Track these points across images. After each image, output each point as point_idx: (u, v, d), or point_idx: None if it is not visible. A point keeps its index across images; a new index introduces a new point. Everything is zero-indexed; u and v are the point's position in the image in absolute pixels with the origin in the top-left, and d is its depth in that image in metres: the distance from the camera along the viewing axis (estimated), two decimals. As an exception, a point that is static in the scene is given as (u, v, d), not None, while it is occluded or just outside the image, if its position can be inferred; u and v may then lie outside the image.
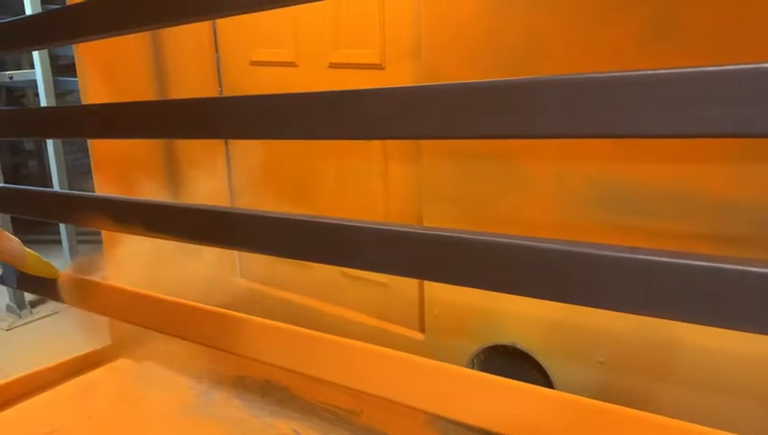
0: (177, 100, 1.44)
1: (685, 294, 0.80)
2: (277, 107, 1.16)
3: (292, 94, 1.15)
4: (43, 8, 3.49)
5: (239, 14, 1.28)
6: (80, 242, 3.96)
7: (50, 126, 1.69)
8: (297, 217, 1.26)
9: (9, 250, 1.79)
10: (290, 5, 1.21)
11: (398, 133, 1.07)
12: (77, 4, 1.51)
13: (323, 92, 1.10)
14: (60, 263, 3.19)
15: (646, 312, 0.85)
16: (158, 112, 1.42)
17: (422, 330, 1.96)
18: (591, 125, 0.82)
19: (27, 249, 1.85)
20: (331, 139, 1.20)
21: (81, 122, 1.60)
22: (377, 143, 1.94)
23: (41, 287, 2.00)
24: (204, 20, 1.96)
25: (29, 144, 5.20)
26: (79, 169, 4.43)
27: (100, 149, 2.18)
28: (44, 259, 1.91)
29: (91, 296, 1.89)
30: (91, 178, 2.19)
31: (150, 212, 1.51)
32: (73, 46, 2.12)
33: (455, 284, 1.05)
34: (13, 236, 1.83)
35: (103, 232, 2.26)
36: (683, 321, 0.83)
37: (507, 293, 0.99)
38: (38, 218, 1.89)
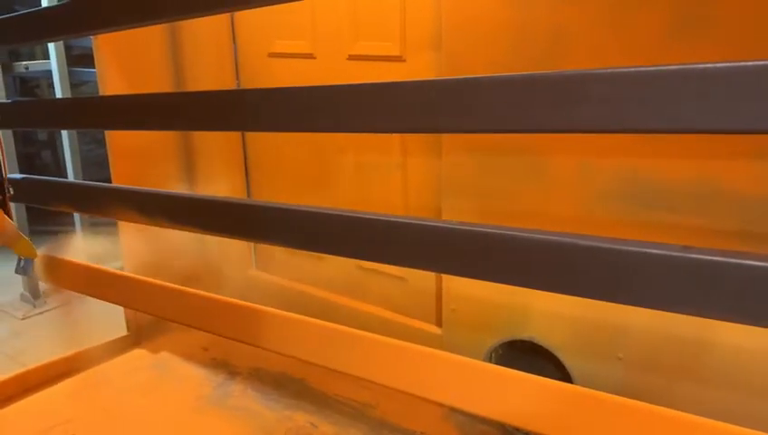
0: (208, 92, 1.43)
1: (739, 296, 0.79)
2: (309, 99, 1.16)
3: (327, 87, 1.14)
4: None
5: (258, 6, 1.28)
6: (94, 233, 3.97)
7: (72, 117, 1.70)
8: (319, 210, 1.26)
9: (6, 231, 1.88)
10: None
11: (436, 126, 1.06)
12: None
13: (364, 84, 1.10)
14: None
15: (697, 313, 0.84)
16: (185, 104, 1.42)
17: (439, 324, 1.95)
18: (645, 120, 0.80)
19: (20, 232, 1.94)
20: (370, 132, 1.19)
21: (105, 113, 1.60)
22: (396, 137, 1.93)
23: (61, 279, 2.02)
24: (223, 12, 1.96)
25: (42, 134, 5.22)
26: (93, 160, 4.44)
27: (118, 139, 2.19)
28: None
29: (109, 286, 1.90)
30: (105, 168, 2.19)
31: (174, 204, 1.51)
32: (91, 37, 2.12)
33: (488, 280, 1.04)
34: (8, 218, 1.91)
35: (119, 222, 2.27)
36: (737, 323, 0.81)
37: (546, 291, 0.98)
38: (60, 210, 1.90)
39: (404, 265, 1.20)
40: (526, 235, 0.98)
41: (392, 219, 1.17)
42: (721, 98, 0.74)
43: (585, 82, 0.85)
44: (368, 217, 1.20)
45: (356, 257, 1.28)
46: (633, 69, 0.81)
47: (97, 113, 1.63)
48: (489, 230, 1.03)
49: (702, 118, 0.76)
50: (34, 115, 1.86)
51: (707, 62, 0.75)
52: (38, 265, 1.97)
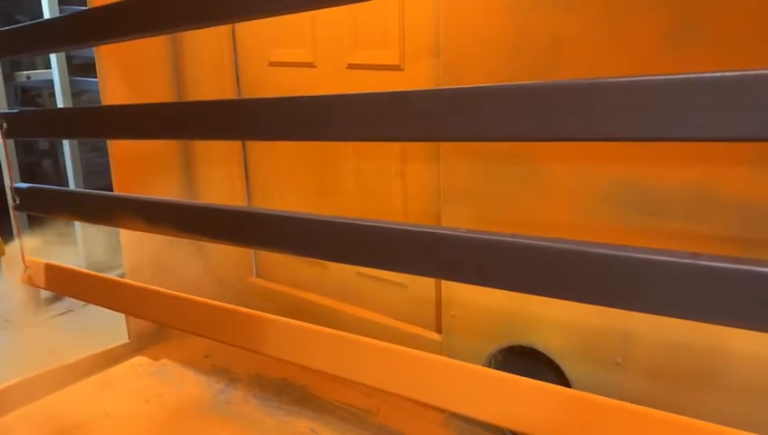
0: (215, 101, 1.45)
1: (749, 302, 0.79)
2: (313, 109, 1.17)
3: (331, 96, 1.16)
4: (60, 9, 3.52)
5: (258, 18, 1.29)
6: (94, 241, 3.98)
7: (78, 126, 1.71)
8: (320, 218, 1.27)
9: None
10: (311, 10, 1.22)
11: (445, 135, 1.07)
12: (99, 8, 1.53)
13: (369, 94, 1.11)
14: (75, 261, 3.22)
15: (707, 319, 0.84)
16: (190, 114, 1.43)
17: (439, 330, 1.96)
18: (654, 128, 0.81)
19: None
20: (376, 141, 1.20)
21: (110, 123, 1.61)
22: (396, 144, 1.94)
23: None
24: (223, 24, 1.98)
25: (43, 143, 5.23)
26: (93, 168, 4.45)
27: (119, 147, 2.20)
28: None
29: (110, 294, 1.91)
30: (105, 177, 2.20)
31: (182, 213, 1.52)
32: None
33: (490, 287, 1.05)
34: None
35: (121, 231, 2.28)
36: (747, 329, 0.82)
37: (555, 298, 0.98)
38: (66, 219, 1.91)
39: (403, 272, 1.21)
40: (530, 242, 0.99)
41: (392, 226, 1.18)
42: (730, 106, 0.75)
43: (595, 91, 0.85)
44: (367, 223, 1.21)
45: (356, 264, 1.29)
46: (643, 78, 0.82)
47: (103, 123, 1.64)
48: (489, 237, 1.04)
49: (711, 126, 0.76)
50: (41, 125, 1.86)
51: (716, 71, 0.76)
52: (39, 272, 1.98)
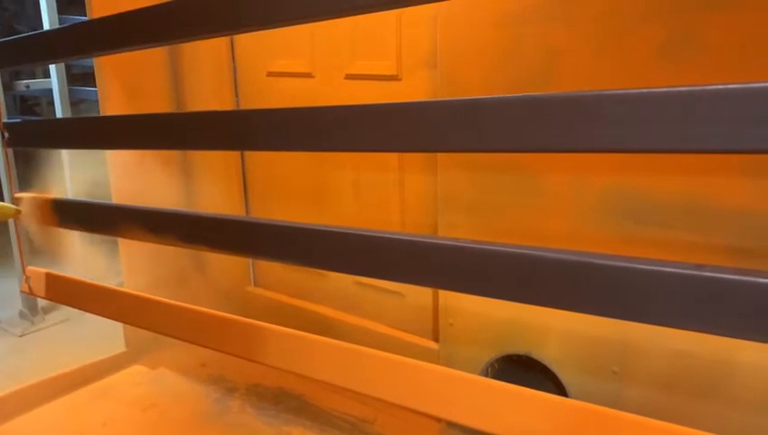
0: (227, 111, 1.45)
1: (752, 314, 0.79)
2: (315, 119, 1.18)
3: (335, 107, 1.16)
4: (59, 19, 3.53)
5: (261, 29, 1.30)
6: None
7: (81, 136, 1.71)
8: (318, 227, 1.28)
9: None
10: (309, 22, 1.23)
11: (447, 146, 1.07)
12: (100, 19, 1.54)
13: (372, 105, 1.11)
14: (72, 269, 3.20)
15: (710, 330, 0.84)
16: (194, 124, 1.44)
17: (436, 339, 1.97)
18: (657, 140, 0.81)
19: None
20: (379, 151, 1.20)
21: (113, 133, 1.61)
22: (394, 154, 1.95)
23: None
24: (226, 35, 1.99)
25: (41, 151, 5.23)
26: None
27: (118, 156, 2.20)
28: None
29: (107, 302, 1.91)
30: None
31: (184, 223, 1.52)
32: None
33: (489, 297, 1.05)
34: None
35: (120, 240, 2.28)
36: (751, 341, 0.82)
37: (556, 308, 0.98)
38: (68, 229, 1.90)
39: (401, 281, 1.22)
40: (529, 252, 0.99)
41: (389, 236, 1.18)
42: (732, 118, 0.75)
43: (600, 103, 0.86)
44: (365, 233, 1.21)
45: (353, 273, 1.29)
46: (644, 90, 0.82)
47: (103, 133, 1.65)
48: (486, 247, 1.05)
49: (713, 138, 0.76)
50: (43, 134, 1.87)
51: (718, 84, 0.76)
52: (39, 281, 1.98)
